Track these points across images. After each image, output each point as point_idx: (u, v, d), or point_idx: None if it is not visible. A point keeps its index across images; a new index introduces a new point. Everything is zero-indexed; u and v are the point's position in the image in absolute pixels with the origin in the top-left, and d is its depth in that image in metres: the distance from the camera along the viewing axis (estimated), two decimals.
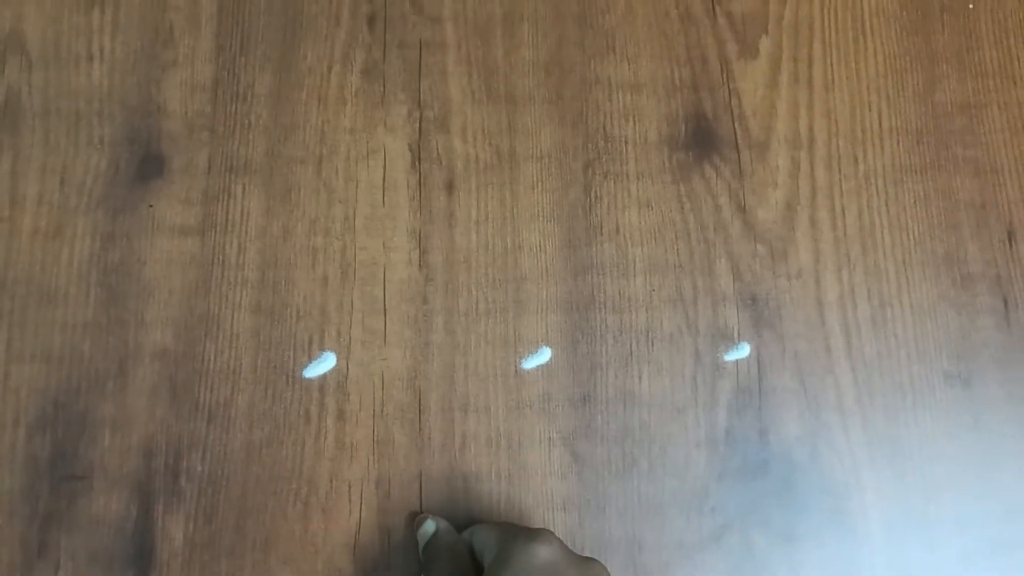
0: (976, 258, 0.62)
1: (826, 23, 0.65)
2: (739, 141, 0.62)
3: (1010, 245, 0.62)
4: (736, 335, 0.59)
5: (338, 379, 0.57)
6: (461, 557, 0.51)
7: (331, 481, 0.55)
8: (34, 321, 0.56)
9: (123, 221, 0.58)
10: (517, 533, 0.48)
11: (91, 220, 0.58)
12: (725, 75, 0.64)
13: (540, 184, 0.61)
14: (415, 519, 0.55)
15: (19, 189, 0.58)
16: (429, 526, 0.54)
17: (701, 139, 0.62)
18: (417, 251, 0.59)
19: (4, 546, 0.53)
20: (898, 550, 0.57)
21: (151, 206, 0.59)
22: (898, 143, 0.63)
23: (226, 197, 0.59)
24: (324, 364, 0.57)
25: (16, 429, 0.55)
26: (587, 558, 0.49)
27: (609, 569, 0.55)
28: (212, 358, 0.56)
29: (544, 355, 0.58)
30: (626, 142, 0.62)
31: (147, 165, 0.59)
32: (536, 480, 0.56)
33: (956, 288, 0.61)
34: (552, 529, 0.55)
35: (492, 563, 0.48)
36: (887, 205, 0.62)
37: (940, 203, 0.62)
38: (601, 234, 0.60)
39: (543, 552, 0.47)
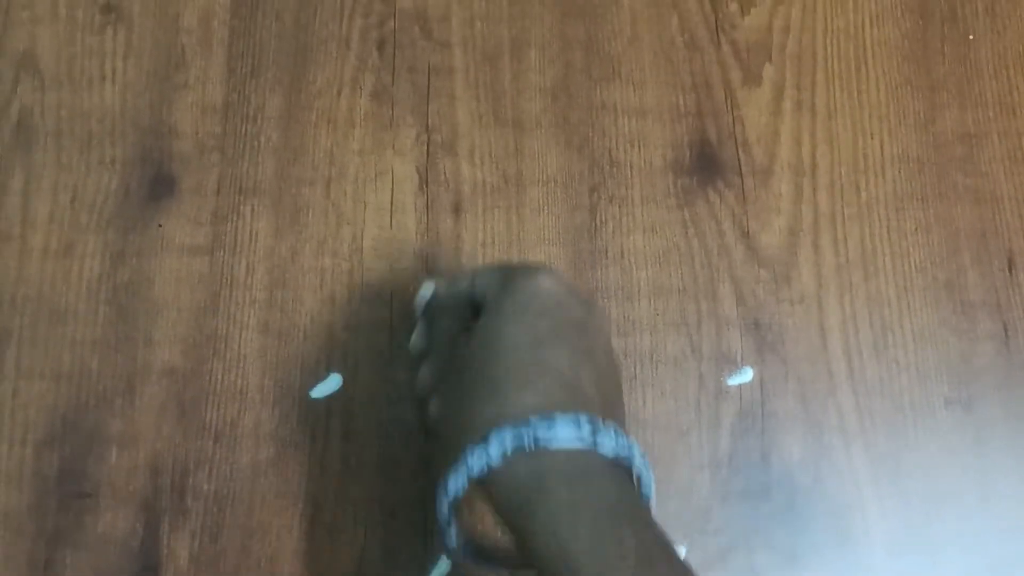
0: (976, 285, 0.62)
1: (829, 52, 0.66)
2: (742, 167, 0.63)
3: (1010, 273, 0.63)
4: (739, 359, 0.60)
5: (344, 400, 0.57)
6: (462, 310, 0.50)
7: (336, 501, 0.55)
8: (43, 338, 0.57)
9: (133, 240, 0.59)
10: (516, 269, 0.48)
11: (101, 239, 0.59)
12: (729, 102, 0.65)
13: (546, 208, 0.61)
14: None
15: (31, 208, 0.59)
16: (427, 288, 0.53)
17: (705, 165, 0.63)
18: (424, 273, 0.60)
19: (11, 563, 0.53)
20: (901, 572, 0.57)
21: (161, 226, 0.59)
22: (899, 171, 0.64)
23: (235, 218, 0.60)
24: (331, 385, 0.57)
25: (24, 446, 0.55)
26: (588, 299, 0.48)
27: None
28: (220, 377, 0.57)
29: None
30: (631, 167, 0.63)
31: (158, 185, 0.60)
32: None
33: (957, 315, 0.62)
34: None
35: (493, 299, 0.47)
36: (888, 232, 0.63)
37: (941, 231, 0.63)
38: (606, 258, 0.61)
39: (547, 284, 0.46)
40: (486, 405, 0.43)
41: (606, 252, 0.61)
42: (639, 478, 0.43)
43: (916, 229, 0.63)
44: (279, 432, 0.56)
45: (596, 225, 0.61)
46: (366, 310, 0.59)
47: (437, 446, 0.55)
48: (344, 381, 0.57)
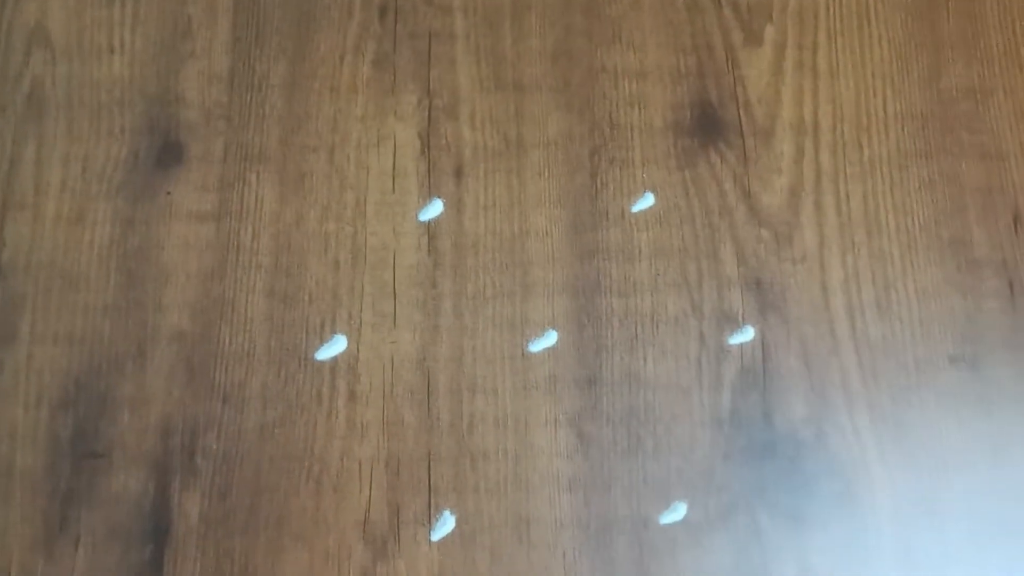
0: (982, 242, 0.62)
1: (831, 10, 0.66)
2: (744, 128, 0.63)
3: (1016, 229, 0.62)
4: (741, 318, 0.60)
5: (349, 361, 0.58)
6: None
7: (342, 460, 0.56)
8: (56, 304, 0.58)
9: (142, 207, 0.60)
10: None
11: (111, 206, 0.60)
12: (730, 63, 0.64)
13: (547, 170, 0.62)
14: None
15: (43, 176, 0.60)
16: None
17: (706, 126, 0.63)
18: (426, 236, 0.60)
19: (27, 522, 0.54)
20: (905, 531, 0.57)
21: (169, 193, 0.60)
22: (903, 129, 0.64)
23: (241, 184, 0.61)
24: (335, 346, 0.58)
25: (39, 408, 0.56)
26: None
27: (615, 548, 0.55)
28: (227, 340, 0.58)
29: (551, 338, 0.59)
30: (632, 129, 0.63)
31: (165, 153, 0.61)
32: (543, 460, 0.57)
33: (962, 272, 0.61)
34: (558, 508, 0.56)
35: None
36: (892, 190, 0.63)
37: (946, 188, 0.63)
38: (607, 219, 0.61)
39: None
40: None
41: (607, 214, 0.61)
42: None
43: (920, 186, 0.63)
44: (286, 393, 0.57)
45: (597, 187, 0.62)
46: (369, 273, 0.59)
47: None
48: (348, 343, 0.58)
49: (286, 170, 0.61)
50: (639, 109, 0.63)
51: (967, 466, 0.58)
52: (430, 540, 0.55)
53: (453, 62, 0.63)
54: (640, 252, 0.60)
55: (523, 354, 0.58)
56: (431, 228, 0.60)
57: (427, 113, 0.62)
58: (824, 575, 0.56)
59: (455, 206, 0.61)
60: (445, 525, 0.56)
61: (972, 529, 0.57)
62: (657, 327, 0.59)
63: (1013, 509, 0.58)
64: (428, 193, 0.61)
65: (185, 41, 0.63)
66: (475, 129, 0.62)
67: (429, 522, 0.55)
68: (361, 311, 0.59)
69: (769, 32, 0.65)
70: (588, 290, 0.60)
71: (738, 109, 0.63)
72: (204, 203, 0.60)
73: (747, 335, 0.59)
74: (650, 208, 0.61)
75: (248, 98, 0.62)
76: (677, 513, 0.56)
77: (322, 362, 0.58)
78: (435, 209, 0.60)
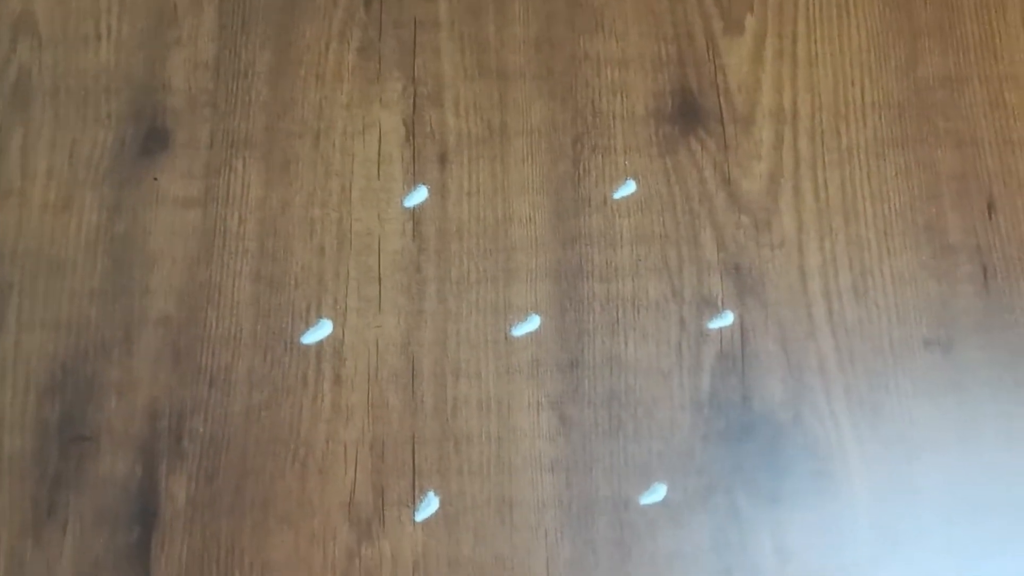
0: (956, 228, 0.63)
1: (810, 0, 0.67)
2: (724, 115, 0.64)
3: (990, 216, 0.63)
4: (720, 303, 0.61)
5: (334, 345, 0.59)
6: None
7: (327, 443, 0.57)
8: (44, 290, 0.59)
9: (129, 194, 0.60)
10: None
11: (98, 193, 0.60)
12: (711, 51, 0.65)
13: (530, 157, 0.63)
14: None
15: (30, 163, 0.61)
16: None
17: (687, 113, 0.64)
18: (411, 222, 0.61)
19: (15, 506, 0.55)
20: (881, 510, 0.58)
21: (156, 179, 0.61)
22: (880, 117, 0.65)
23: (227, 170, 0.61)
24: (321, 331, 0.59)
25: (27, 394, 0.57)
26: None
27: (596, 528, 0.56)
28: (213, 325, 0.58)
29: (533, 322, 0.60)
30: (614, 116, 0.64)
31: (152, 140, 0.62)
32: (525, 442, 0.58)
33: (936, 257, 0.62)
34: (541, 489, 0.57)
35: None
36: (869, 177, 0.64)
37: (921, 175, 0.64)
38: (589, 206, 0.62)
39: None
40: None
41: (589, 200, 0.62)
42: None
43: (896, 173, 0.64)
44: (272, 377, 0.58)
45: (579, 174, 0.62)
46: (354, 258, 0.60)
47: None
48: (334, 327, 0.59)
49: (272, 156, 0.62)
50: (621, 97, 0.64)
51: (941, 447, 0.59)
52: (414, 521, 0.56)
53: (437, 50, 0.64)
54: (622, 238, 0.61)
55: (506, 338, 0.59)
56: (416, 214, 0.61)
57: (412, 100, 0.63)
58: (801, 554, 0.57)
59: (439, 192, 0.62)
60: (429, 506, 0.56)
61: (946, 509, 0.59)
62: (638, 311, 0.60)
63: (985, 489, 0.59)
64: (413, 180, 0.62)
65: (171, 28, 0.63)
66: (459, 116, 0.63)
67: (413, 503, 0.56)
68: (346, 296, 0.59)
69: (749, 21, 0.66)
70: (570, 275, 0.61)
71: (718, 97, 0.64)
72: (190, 189, 0.61)
73: (726, 319, 0.60)
74: (632, 195, 0.62)
75: (234, 85, 0.63)
76: (657, 494, 0.57)
77: (308, 346, 0.59)
78: (420, 195, 0.61)
